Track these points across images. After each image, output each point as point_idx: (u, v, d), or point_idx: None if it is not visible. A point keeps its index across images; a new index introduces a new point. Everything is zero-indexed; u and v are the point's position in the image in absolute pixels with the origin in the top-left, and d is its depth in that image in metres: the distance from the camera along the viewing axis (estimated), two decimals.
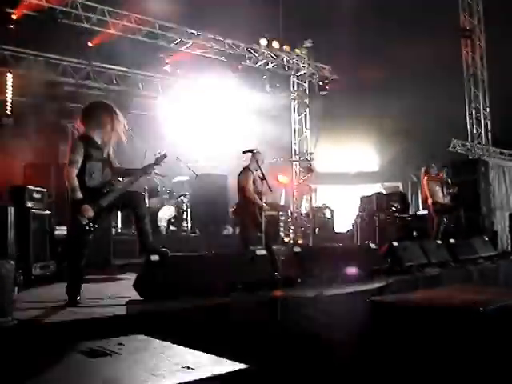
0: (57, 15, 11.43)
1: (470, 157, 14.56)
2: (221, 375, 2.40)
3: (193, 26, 13.86)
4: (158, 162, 5.62)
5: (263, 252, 6.86)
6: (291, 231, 14.22)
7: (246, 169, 8.36)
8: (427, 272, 8.16)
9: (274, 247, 8.02)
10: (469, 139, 14.85)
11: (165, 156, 5.67)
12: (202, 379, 2.43)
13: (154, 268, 5.38)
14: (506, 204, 15.00)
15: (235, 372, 2.45)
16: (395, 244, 8.33)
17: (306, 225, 14.11)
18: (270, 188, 8.08)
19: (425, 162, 11.35)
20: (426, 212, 11.60)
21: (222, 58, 14.46)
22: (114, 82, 14.25)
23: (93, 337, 3.42)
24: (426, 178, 10.90)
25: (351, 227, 13.57)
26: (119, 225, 11.60)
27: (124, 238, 10.47)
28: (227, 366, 2.54)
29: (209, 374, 2.43)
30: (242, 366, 2.53)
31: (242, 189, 8.30)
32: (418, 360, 3.75)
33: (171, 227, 12.12)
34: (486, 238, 10.31)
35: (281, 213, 13.54)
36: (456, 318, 3.59)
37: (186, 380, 2.42)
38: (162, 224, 11.88)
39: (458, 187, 11.23)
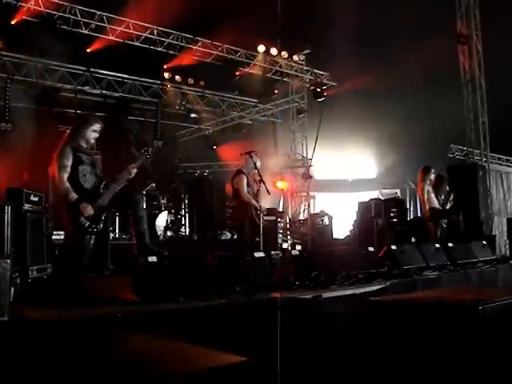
0: (55, 21, 11.44)
1: (468, 162, 14.52)
2: (222, 366, 2.40)
3: (191, 32, 13.88)
4: (138, 161, 5.65)
5: (261, 254, 6.87)
6: (289, 237, 14.16)
7: (240, 171, 8.36)
8: (425, 275, 8.12)
9: (272, 251, 7.98)
10: (467, 144, 14.83)
11: (146, 154, 5.70)
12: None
13: (151, 269, 5.37)
14: (503, 209, 15.07)
15: (236, 364, 2.44)
16: (393, 247, 8.32)
17: (304, 231, 14.07)
18: (267, 190, 8.08)
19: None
20: (423, 217, 11.53)
21: (220, 64, 14.46)
22: (113, 88, 14.31)
23: (89, 337, 3.41)
24: (421, 184, 10.85)
25: (349, 233, 13.51)
26: (117, 229, 11.60)
27: (121, 242, 10.50)
28: (228, 358, 2.52)
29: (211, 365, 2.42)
30: (242, 358, 2.52)
31: (236, 192, 8.30)
32: (416, 358, 3.74)
33: (168, 233, 12.12)
34: (485, 243, 10.25)
35: (279, 219, 13.50)
36: (454, 316, 3.59)
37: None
38: (159, 230, 11.87)
39: (455, 193, 11.19)
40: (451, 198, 11.11)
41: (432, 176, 10.87)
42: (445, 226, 10.79)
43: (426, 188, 10.76)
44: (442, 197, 11.02)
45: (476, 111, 14.81)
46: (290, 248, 12.32)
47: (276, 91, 16.81)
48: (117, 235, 11.59)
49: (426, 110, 15.47)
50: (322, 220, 14.32)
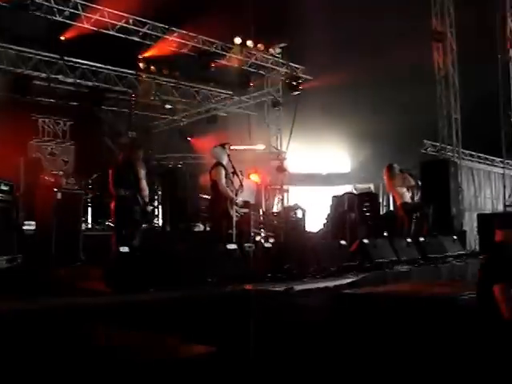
0: (28, 7, 11.16)
1: (440, 158, 14.63)
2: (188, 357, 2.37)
3: (167, 22, 13.72)
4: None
5: (234, 247, 6.87)
6: (262, 230, 14.11)
7: (218, 164, 8.32)
8: (397, 269, 8.24)
9: (245, 244, 7.98)
10: (440, 140, 14.96)
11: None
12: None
13: (123, 260, 5.34)
14: (474, 205, 15.20)
15: (203, 354, 2.42)
16: (365, 241, 8.45)
17: (277, 224, 14.04)
18: (241, 183, 8.08)
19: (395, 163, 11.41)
20: (396, 212, 11.64)
21: (196, 55, 14.32)
22: (87, 77, 14.10)
23: (60, 327, 3.37)
24: (391, 182, 10.98)
25: (322, 227, 13.53)
26: (89, 219, 11.49)
27: (95, 233, 10.40)
28: (196, 349, 2.50)
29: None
30: (210, 348, 2.50)
31: (214, 184, 8.25)
32: (391, 351, 3.76)
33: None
34: (455, 238, 10.42)
35: (252, 212, 13.44)
36: (430, 308, 3.62)
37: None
38: None
39: (419, 183, 11.36)
40: (417, 189, 11.31)
41: (397, 171, 11.01)
42: (414, 220, 10.91)
43: (395, 184, 10.91)
44: (409, 190, 11.18)
45: (449, 108, 14.94)
46: (262, 240, 12.28)
47: (251, 83, 16.72)
48: (89, 225, 11.44)
49: (400, 106, 15.51)
50: (296, 213, 14.27)
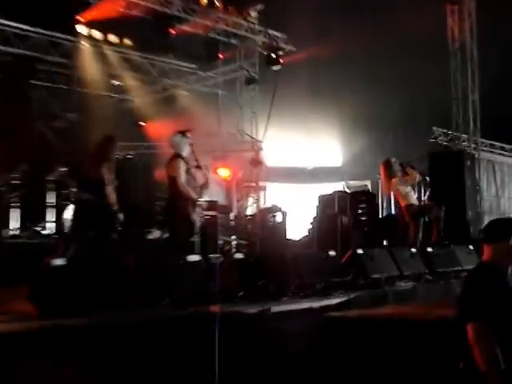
0: None
1: (454, 149, 14.84)
2: None
3: None
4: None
5: (197, 258, 6.87)
6: (233, 238, 14.10)
7: (177, 156, 8.25)
8: (398, 286, 8.35)
9: (211, 254, 7.99)
10: (453, 128, 15.07)
11: None
12: None
13: (54, 275, 5.29)
14: (496, 208, 15.27)
15: None
16: (360, 251, 8.49)
17: (251, 230, 14.04)
18: (206, 179, 8.07)
19: (396, 156, 11.49)
20: (398, 216, 11.75)
21: (151, 19, 14.22)
22: (13, 42, 13.84)
23: None
24: (390, 182, 11.08)
25: (307, 233, 13.57)
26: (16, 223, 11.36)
27: (20, 241, 10.30)
28: None
29: None
30: None
31: (172, 181, 8.19)
32: None
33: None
34: (472, 248, 10.46)
35: (220, 215, 13.43)
36: (433, 336, 3.60)
37: None
38: (67, 225, 11.62)
39: (429, 181, 11.48)
40: (425, 188, 11.48)
41: (397, 167, 11.11)
42: (422, 225, 11.02)
43: (396, 183, 11.01)
44: (414, 189, 11.33)
45: (465, 87, 15.01)
46: (233, 250, 12.30)
47: (220, 55, 16.72)
48: (16, 232, 11.33)
49: (405, 85, 15.53)
50: (274, 216, 14.28)
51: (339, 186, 16.81)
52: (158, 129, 15.73)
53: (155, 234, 12.19)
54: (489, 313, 3.38)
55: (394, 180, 11.05)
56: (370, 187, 16.73)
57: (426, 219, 11.11)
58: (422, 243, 10.52)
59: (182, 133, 8.34)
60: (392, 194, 11.83)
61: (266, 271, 7.31)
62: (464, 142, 15.20)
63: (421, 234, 10.85)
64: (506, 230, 3.68)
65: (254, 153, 17.00)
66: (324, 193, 13.46)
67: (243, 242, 13.42)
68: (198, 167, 8.17)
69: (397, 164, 11.13)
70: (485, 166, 15.35)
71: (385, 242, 12.42)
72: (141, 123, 16.62)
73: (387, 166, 11.14)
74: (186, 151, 8.25)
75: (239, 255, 7.68)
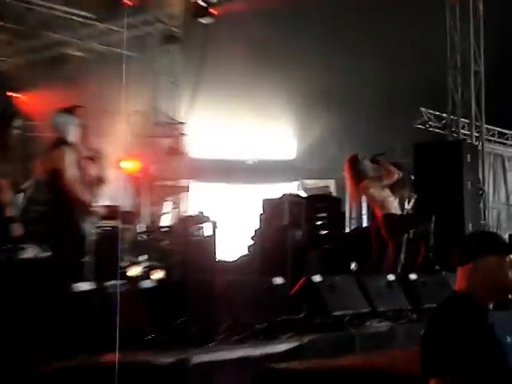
0: None
1: (449, 138, 15.17)
2: None
3: None
4: None
5: (89, 287, 6.81)
6: (142, 258, 14.08)
7: (62, 142, 8.19)
8: (370, 327, 8.41)
9: (110, 282, 7.95)
10: (448, 109, 15.29)
11: None
12: None
13: None
14: (506, 219, 15.33)
15: None
16: (316, 279, 8.54)
17: (168, 247, 14.04)
18: (104, 175, 8.04)
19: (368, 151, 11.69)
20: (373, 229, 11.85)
21: None
22: None
23: None
24: (360, 186, 11.17)
25: (246, 252, 13.60)
26: None
27: None
28: None
29: None
30: None
31: (54, 176, 8.12)
32: None
33: None
34: None
35: (124, 225, 13.40)
36: None
37: None
38: None
39: (418, 181, 11.61)
40: (410, 193, 11.58)
41: (368, 165, 11.22)
42: (405, 243, 11.14)
43: (369, 185, 11.13)
44: (395, 193, 11.45)
45: (466, 53, 15.15)
46: (141, 275, 12.25)
47: (128, 1, 16.63)
48: None
49: (382, 50, 15.81)
50: (201, 229, 14.32)
51: (291, 188, 16.97)
52: (36, 103, 15.63)
53: (30, 251, 12.06)
54: (458, 366, 3.32)
55: (364, 182, 11.13)
56: (333, 189, 16.85)
57: (411, 235, 11.29)
58: (403, 268, 10.69)
59: (70, 110, 8.30)
60: (364, 200, 11.86)
61: (187, 305, 7.35)
62: (463, 128, 15.44)
63: (403, 256, 11.02)
64: (483, 244, 3.60)
65: (174, 139, 17.06)
66: (270, 196, 13.55)
67: (156, 264, 13.39)
68: (92, 158, 8.11)
69: (367, 160, 11.27)
70: (491, 161, 15.46)
71: (353, 266, 12.59)
72: (13, 94, 16.40)
73: (353, 164, 11.29)
74: (74, 135, 8.19)
75: (150, 283, 7.58)
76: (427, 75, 15.60)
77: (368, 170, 11.20)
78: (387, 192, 11.24)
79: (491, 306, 3.51)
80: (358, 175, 11.20)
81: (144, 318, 7.06)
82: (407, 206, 11.66)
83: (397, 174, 11.30)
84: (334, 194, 16.21)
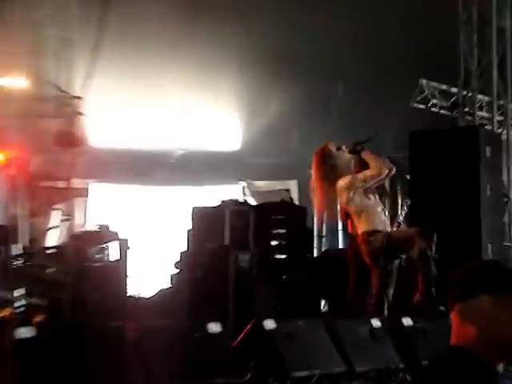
0: None
1: (460, 123, 15.11)
2: None
3: None
4: None
5: None
6: (18, 292, 14.03)
7: None
8: None
9: None
10: (460, 83, 15.37)
11: None
12: None
13: None
14: None
15: None
16: (269, 325, 8.41)
17: (54, 276, 13.91)
18: None
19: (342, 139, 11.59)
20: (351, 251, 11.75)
21: None
22: None
23: None
24: (338, 185, 10.97)
25: (170, 284, 13.51)
26: None
27: None
28: None
29: None
30: None
31: None
32: None
33: None
34: None
35: None
36: None
37: None
38: None
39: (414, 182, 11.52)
40: (402, 198, 11.46)
41: (345, 158, 11.03)
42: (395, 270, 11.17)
43: (344, 186, 10.90)
44: (382, 197, 11.38)
45: (484, 4, 15.31)
46: (15, 319, 12.11)
47: None
48: None
49: (361, 11, 16.29)
50: (105, 250, 14.29)
51: (235, 192, 17.35)
52: None
53: None
54: None
55: (340, 183, 10.87)
56: (295, 194, 16.93)
57: (403, 261, 11.23)
58: (393, 308, 10.65)
59: None
60: (339, 210, 11.56)
61: (82, 363, 7.25)
62: (480, 109, 15.50)
63: (392, 291, 10.94)
64: (478, 278, 3.42)
65: (66, 121, 17.02)
66: (203, 204, 13.58)
67: (37, 303, 13.33)
68: None
69: (344, 151, 11.06)
70: None
71: (322, 305, 12.76)
72: None
73: (324, 157, 11.07)
74: None
75: (28, 330, 7.33)
76: (430, 34, 15.79)
77: (345, 165, 10.96)
78: (372, 199, 11.02)
79: (501, 366, 3.29)
80: (330, 173, 10.93)
81: (20, 378, 7.03)
82: (399, 218, 11.49)
83: (387, 170, 11.10)
84: (297, 201, 16.28)
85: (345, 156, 10.99)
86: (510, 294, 3.24)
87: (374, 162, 10.91)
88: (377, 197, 11.05)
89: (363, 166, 10.95)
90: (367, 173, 10.90)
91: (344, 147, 11.07)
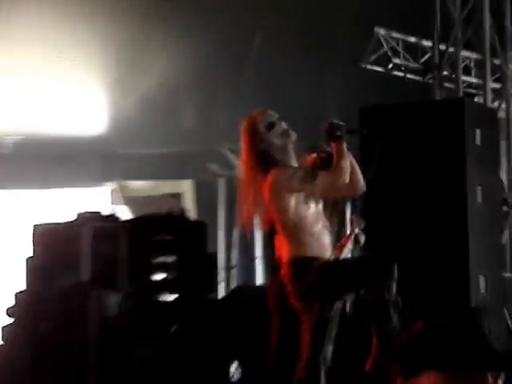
0: None
1: (437, 94, 14.79)
2: None
3: None
4: None
5: None
6: None
7: None
8: None
9: None
10: (436, 34, 15.09)
11: None
12: None
13: None
14: None
15: None
16: None
17: None
18: None
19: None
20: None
21: None
22: None
23: None
24: (272, 177, 10.23)
25: (0, 340, 13.04)
26: None
27: None
28: None
29: None
30: None
31: None
32: None
33: None
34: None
35: None
36: None
37: None
38: None
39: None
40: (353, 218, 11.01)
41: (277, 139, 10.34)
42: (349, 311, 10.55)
43: (283, 186, 10.15)
44: (318, 207, 10.72)
45: None
46: None
47: None
48: None
49: None
50: None
51: (99, 197, 17.29)
52: None
53: None
54: None
55: (268, 179, 10.13)
56: (189, 202, 16.55)
57: (348, 308, 10.51)
58: (330, 375, 9.92)
59: None
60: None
61: None
62: (468, 73, 15.23)
63: (330, 348, 10.27)
64: (430, 346, 4.33)
65: None
66: (48, 220, 13.06)
67: None
68: None
69: (281, 124, 10.33)
70: None
71: (231, 371, 12.38)
72: None
73: (252, 136, 10.25)
74: None
75: None
76: None
77: (282, 152, 10.23)
78: (313, 207, 10.32)
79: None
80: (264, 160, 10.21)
81: None
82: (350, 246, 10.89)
83: (356, 190, 10.46)
84: (193, 211, 15.82)
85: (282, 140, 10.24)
86: (458, 371, 4.31)
87: (342, 164, 10.20)
88: (320, 205, 10.37)
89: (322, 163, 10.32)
90: (324, 173, 10.21)
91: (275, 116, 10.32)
